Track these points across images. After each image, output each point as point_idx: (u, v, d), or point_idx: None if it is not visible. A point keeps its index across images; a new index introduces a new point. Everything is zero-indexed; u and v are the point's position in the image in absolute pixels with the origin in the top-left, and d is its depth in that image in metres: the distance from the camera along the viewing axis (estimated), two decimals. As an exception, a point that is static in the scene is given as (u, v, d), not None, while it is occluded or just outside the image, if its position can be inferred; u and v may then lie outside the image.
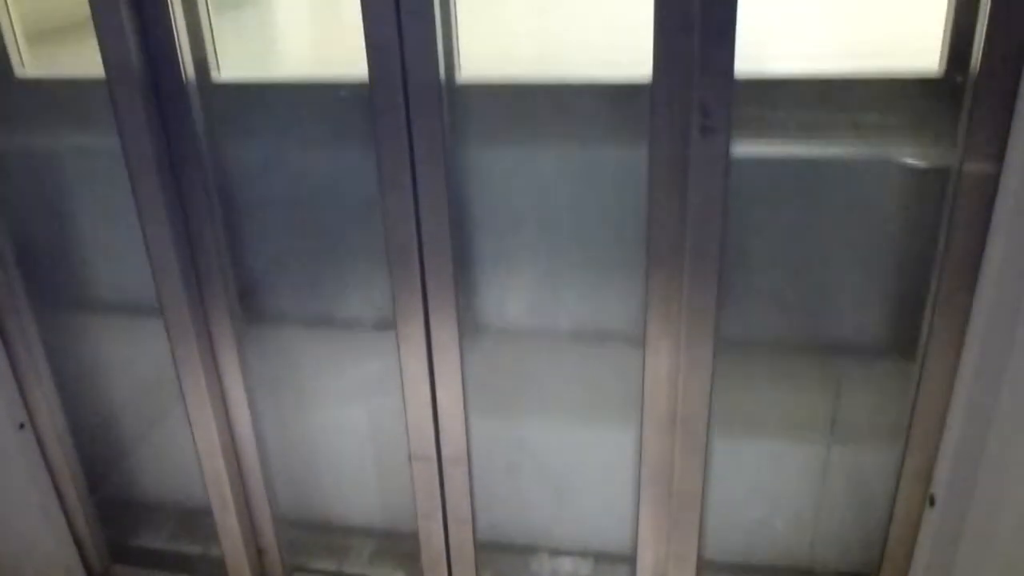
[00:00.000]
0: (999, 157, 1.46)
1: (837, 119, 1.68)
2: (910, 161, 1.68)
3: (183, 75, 1.66)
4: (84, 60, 1.67)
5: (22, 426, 2.09)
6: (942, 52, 1.59)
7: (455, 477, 1.99)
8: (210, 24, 1.76)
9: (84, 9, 1.58)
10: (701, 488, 1.85)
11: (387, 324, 1.84)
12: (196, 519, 2.21)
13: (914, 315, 1.71)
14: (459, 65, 1.71)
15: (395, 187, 1.66)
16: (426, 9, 1.50)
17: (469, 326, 1.88)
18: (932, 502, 1.76)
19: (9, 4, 1.86)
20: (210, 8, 1.75)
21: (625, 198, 1.77)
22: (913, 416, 1.75)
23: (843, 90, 1.69)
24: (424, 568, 2.14)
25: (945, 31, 1.58)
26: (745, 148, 1.62)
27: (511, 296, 1.93)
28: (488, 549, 2.18)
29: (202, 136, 1.73)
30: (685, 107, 1.50)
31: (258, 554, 2.23)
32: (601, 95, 1.74)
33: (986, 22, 1.39)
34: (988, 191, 1.49)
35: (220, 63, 1.80)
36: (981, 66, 1.43)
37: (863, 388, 1.88)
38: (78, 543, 2.29)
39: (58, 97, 1.97)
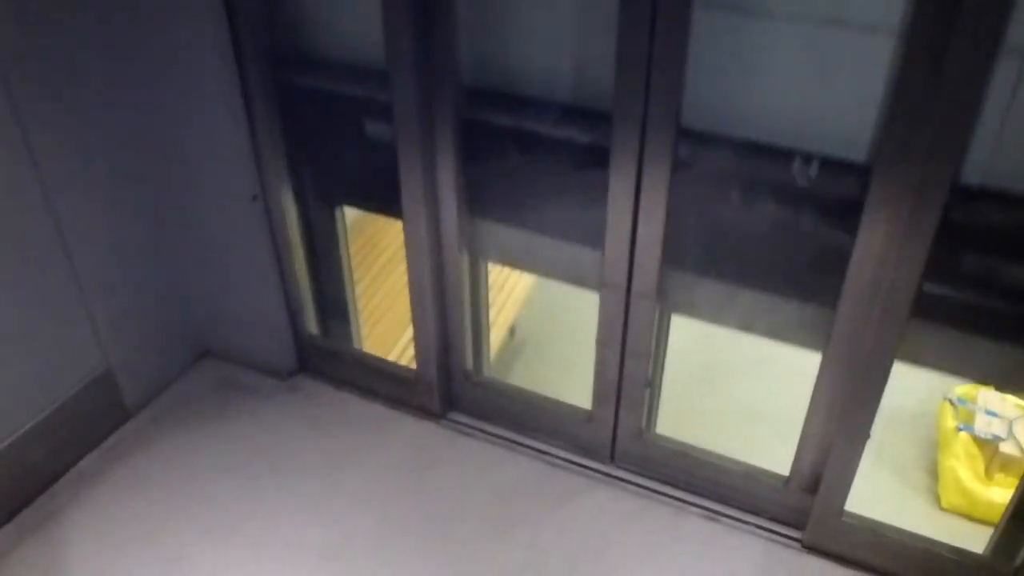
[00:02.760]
0: None
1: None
2: None
3: None
4: None
5: (255, 198, 2.30)
6: None
7: (640, 311, 2.04)
8: None
9: None
10: (890, 365, 1.81)
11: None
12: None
13: None
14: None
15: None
16: None
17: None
18: None
19: None
20: None
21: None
22: None
23: None
24: (594, 392, 2.24)
25: None
26: None
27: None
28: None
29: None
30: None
31: (445, 350, 2.40)
32: None
33: None
34: None
35: None
36: None
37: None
38: (291, 311, 2.54)
39: None
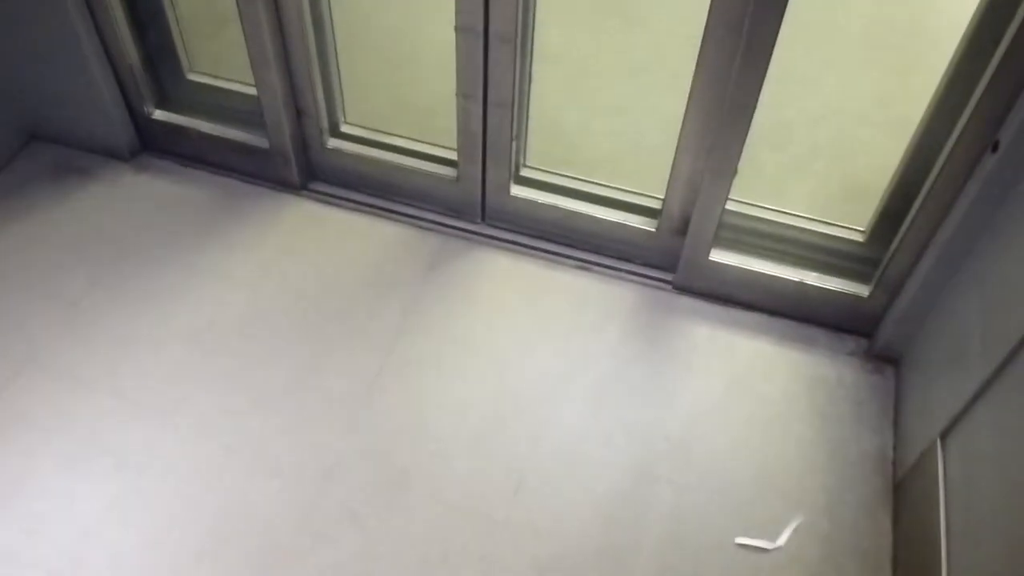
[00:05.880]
0: None
1: None
2: None
3: None
4: None
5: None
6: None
7: (501, 57, 1.90)
8: None
9: None
10: (755, 102, 1.76)
11: None
12: (242, 72, 2.17)
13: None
14: None
15: None
16: None
17: None
18: (995, 148, 1.66)
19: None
20: None
21: None
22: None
23: None
24: (459, 148, 2.14)
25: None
26: None
27: None
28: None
29: None
30: None
31: (297, 115, 2.22)
32: None
33: None
34: None
35: None
36: None
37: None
38: (120, 81, 2.28)
39: None
